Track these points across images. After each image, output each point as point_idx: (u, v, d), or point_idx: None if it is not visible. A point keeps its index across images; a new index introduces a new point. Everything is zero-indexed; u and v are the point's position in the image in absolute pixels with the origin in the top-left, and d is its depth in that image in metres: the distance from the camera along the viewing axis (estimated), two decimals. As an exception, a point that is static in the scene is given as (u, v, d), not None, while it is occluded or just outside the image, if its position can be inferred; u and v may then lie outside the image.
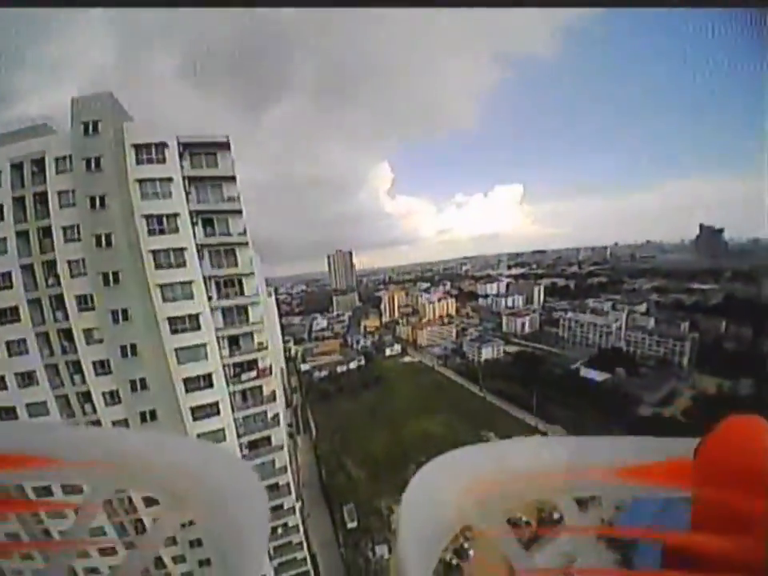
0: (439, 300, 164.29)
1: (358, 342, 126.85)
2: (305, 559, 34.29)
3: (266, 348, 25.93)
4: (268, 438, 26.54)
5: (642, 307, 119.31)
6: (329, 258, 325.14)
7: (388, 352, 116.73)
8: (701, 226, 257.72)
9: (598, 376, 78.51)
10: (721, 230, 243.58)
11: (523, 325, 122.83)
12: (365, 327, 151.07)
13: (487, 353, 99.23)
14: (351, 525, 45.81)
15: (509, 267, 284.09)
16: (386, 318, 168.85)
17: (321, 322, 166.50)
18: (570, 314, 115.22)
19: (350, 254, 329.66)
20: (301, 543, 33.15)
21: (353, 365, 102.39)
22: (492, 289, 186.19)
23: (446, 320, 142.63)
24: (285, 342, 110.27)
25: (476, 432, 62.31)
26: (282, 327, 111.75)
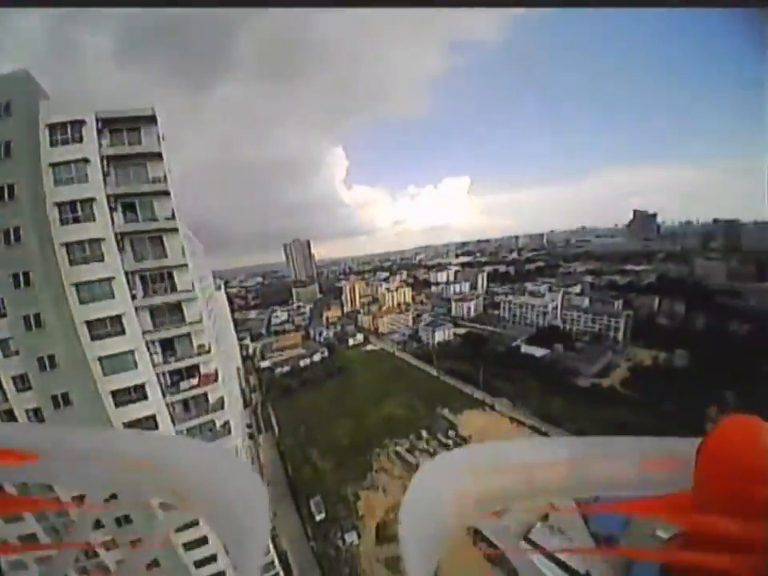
0: (397, 289, 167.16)
1: (320, 334, 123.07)
2: (272, 563, 32.08)
3: (209, 351, 22.51)
4: (218, 448, 23.47)
5: (577, 288, 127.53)
6: (286, 248, 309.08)
7: (351, 342, 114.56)
8: (634, 211, 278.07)
9: (537, 352, 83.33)
10: (654, 215, 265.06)
11: (469, 309, 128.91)
12: (327, 318, 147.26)
13: (440, 336, 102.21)
14: (319, 517, 44.08)
15: (456, 256, 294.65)
16: (347, 308, 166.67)
17: (280, 315, 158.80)
18: (510, 297, 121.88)
19: (308, 243, 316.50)
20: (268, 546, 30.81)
21: (316, 357, 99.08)
22: (442, 277, 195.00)
23: (403, 307, 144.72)
24: (240, 339, 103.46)
25: (432, 409, 63.67)
26: (236, 323, 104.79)
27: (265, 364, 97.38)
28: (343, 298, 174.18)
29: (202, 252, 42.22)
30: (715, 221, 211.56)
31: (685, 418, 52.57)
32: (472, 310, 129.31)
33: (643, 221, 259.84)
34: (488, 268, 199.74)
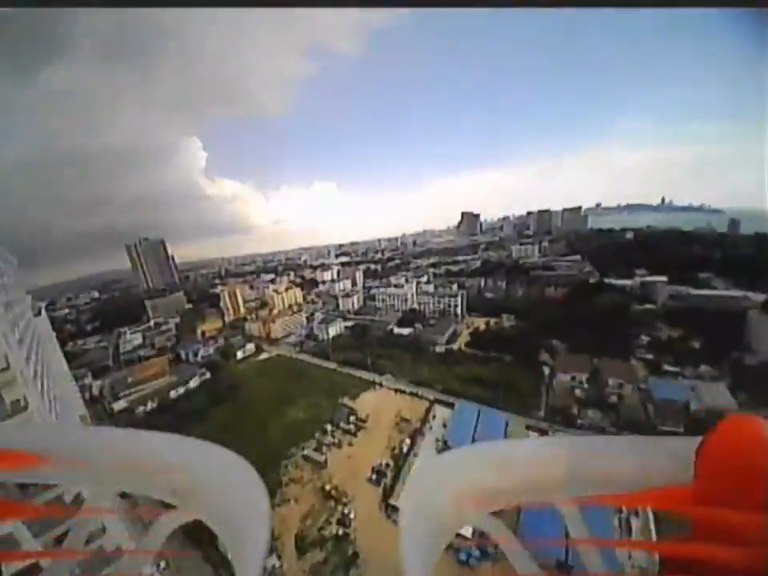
0: (287, 290, 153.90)
1: (196, 354, 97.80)
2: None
3: (26, 408, 15.57)
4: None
5: (425, 278, 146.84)
6: (130, 250, 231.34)
7: (240, 354, 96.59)
8: (462, 213, 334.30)
9: (404, 331, 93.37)
10: (477, 215, 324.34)
11: (353, 303, 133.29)
12: (203, 333, 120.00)
13: (333, 331, 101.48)
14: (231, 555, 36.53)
15: (336, 256, 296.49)
16: (230, 317, 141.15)
17: (131, 337, 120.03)
18: (381, 290, 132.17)
19: (163, 243, 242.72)
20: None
21: (193, 383, 78.08)
22: (328, 276, 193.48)
23: (295, 308, 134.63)
24: (79, 378, 75.38)
25: (335, 401, 61.98)
26: (69, 357, 73.19)
27: (120, 405, 71.82)
28: (222, 305, 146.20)
29: (14, 268, 28.68)
30: (528, 213, 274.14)
31: (519, 364, 67.05)
32: (355, 303, 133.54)
33: (469, 220, 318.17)
34: (362, 266, 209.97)
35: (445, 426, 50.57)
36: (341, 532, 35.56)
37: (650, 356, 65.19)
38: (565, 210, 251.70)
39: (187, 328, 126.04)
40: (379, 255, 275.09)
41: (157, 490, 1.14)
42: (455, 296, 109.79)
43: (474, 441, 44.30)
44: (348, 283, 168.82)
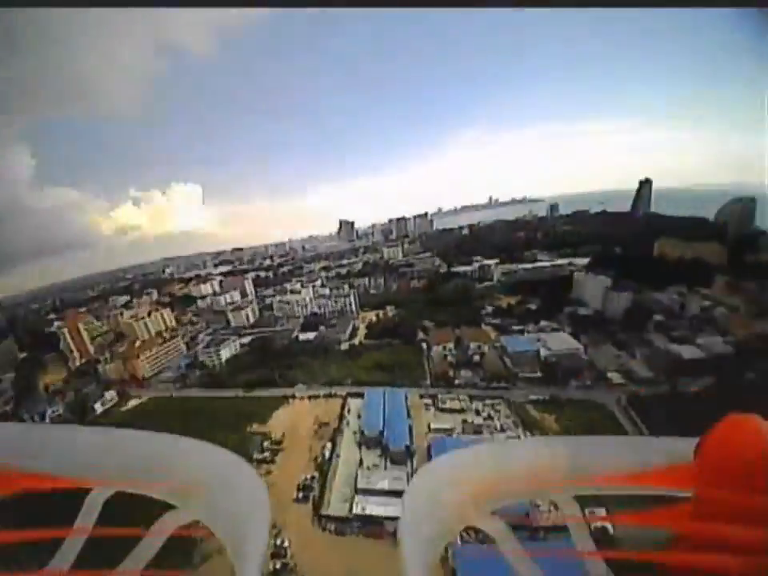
0: (150, 313, 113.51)
1: (43, 416, 69.04)
2: None
3: None
4: None
5: (319, 282, 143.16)
6: None
7: (99, 407, 70.74)
8: (340, 221, 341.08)
9: (310, 336, 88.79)
10: (352, 222, 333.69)
11: (247, 316, 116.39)
12: (46, 387, 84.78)
13: (226, 352, 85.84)
14: None
15: (215, 266, 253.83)
16: (76, 361, 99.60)
17: None
18: (278, 297, 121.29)
19: None
20: None
21: None
22: (207, 289, 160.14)
23: (167, 335, 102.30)
24: None
25: (241, 434, 52.75)
26: None
27: None
28: (63, 346, 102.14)
29: None
30: (389, 220, 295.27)
31: (405, 345, 73.23)
32: (250, 316, 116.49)
33: (346, 227, 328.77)
34: (251, 274, 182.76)
35: (359, 416, 50.71)
36: (279, 565, 31.25)
37: (496, 321, 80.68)
38: (415, 216, 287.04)
39: (26, 384, 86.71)
40: (269, 261, 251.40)
41: (157, 490, 1.10)
42: (348, 295, 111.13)
43: (384, 421, 47.06)
44: (237, 294, 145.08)
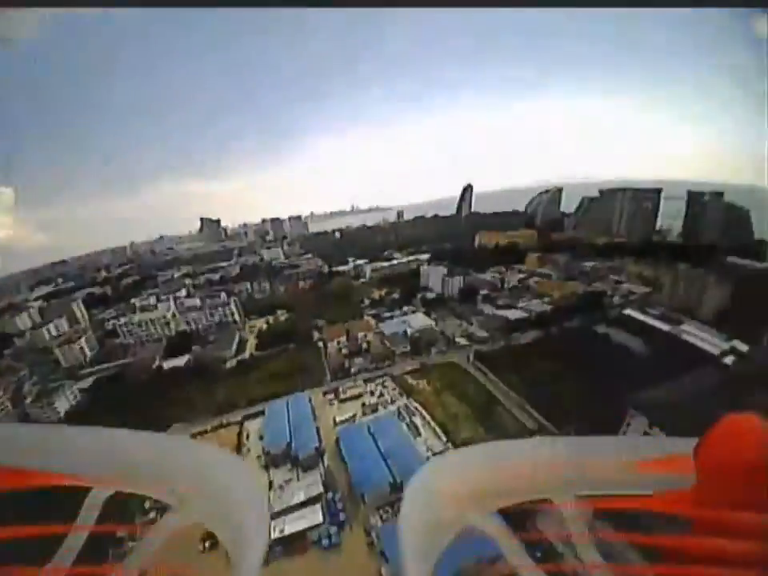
0: None
1: None
2: None
3: None
4: None
5: (183, 292, 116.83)
6: None
7: None
8: (201, 219, 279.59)
9: (180, 361, 70.74)
10: (218, 220, 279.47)
11: (82, 350, 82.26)
12: None
13: (63, 404, 59.59)
14: None
15: (31, 289, 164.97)
16: None
17: None
18: (123, 320, 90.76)
19: None
20: None
21: None
22: (25, 322, 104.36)
23: None
24: None
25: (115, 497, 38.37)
26: None
27: None
28: None
29: None
30: (263, 220, 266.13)
31: (301, 347, 70.12)
32: (86, 349, 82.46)
33: (210, 227, 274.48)
34: (79, 294, 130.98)
35: (261, 437, 45.74)
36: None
37: (374, 311, 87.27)
38: (290, 217, 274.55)
39: None
40: (104, 273, 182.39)
41: (157, 491, 1.07)
42: (227, 304, 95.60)
43: (290, 431, 44.21)
44: (63, 323, 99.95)
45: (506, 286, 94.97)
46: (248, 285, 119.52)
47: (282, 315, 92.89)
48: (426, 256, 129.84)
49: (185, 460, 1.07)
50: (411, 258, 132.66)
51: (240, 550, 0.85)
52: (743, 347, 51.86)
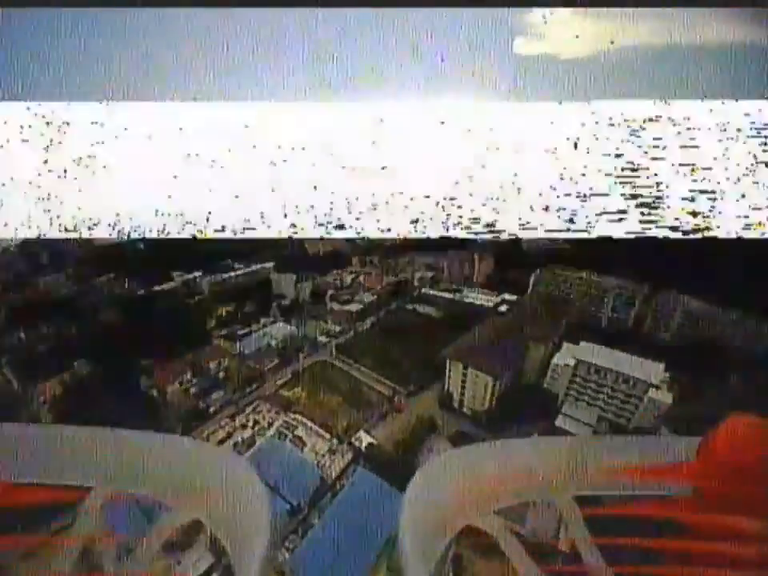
0: None
1: None
2: None
3: None
4: None
5: None
6: None
7: None
8: None
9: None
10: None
11: None
12: None
13: None
14: None
15: None
16: None
17: None
18: None
19: None
20: None
21: None
22: None
23: None
24: None
25: None
26: None
27: None
28: None
29: None
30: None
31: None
32: None
33: None
34: None
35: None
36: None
37: (224, 332, 75.76)
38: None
39: None
40: None
41: (157, 490, 1.03)
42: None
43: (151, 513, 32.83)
44: None
45: (344, 284, 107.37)
46: (20, 333, 68.19)
47: (84, 366, 60.99)
48: (270, 264, 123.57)
49: (185, 459, 1.04)
50: (258, 266, 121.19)
51: (240, 550, 0.83)
52: (512, 297, 75.18)
